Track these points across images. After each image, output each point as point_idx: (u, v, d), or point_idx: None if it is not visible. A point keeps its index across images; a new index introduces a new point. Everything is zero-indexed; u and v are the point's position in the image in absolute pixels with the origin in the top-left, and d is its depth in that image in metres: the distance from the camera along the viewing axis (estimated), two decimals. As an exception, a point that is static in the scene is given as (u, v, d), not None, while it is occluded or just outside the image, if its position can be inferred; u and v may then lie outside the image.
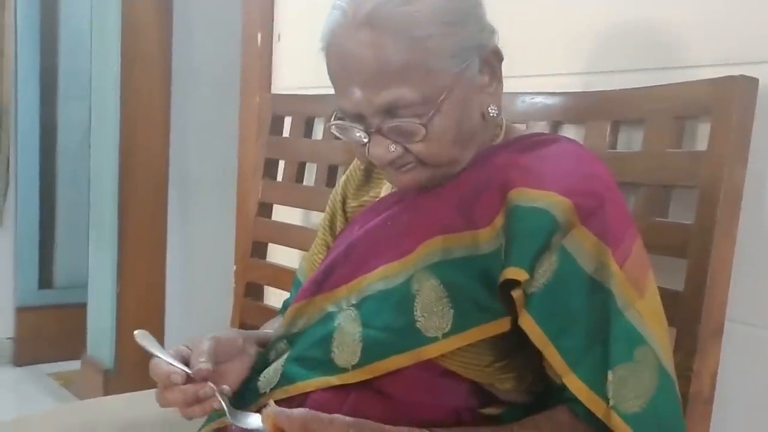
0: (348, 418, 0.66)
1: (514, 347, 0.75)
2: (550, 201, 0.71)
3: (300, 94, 1.56)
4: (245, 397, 0.82)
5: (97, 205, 2.54)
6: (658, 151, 0.95)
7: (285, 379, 0.80)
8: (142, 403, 1.00)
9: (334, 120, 0.78)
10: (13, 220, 2.87)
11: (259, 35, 1.75)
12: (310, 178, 1.50)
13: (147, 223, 2.49)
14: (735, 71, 0.87)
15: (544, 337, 0.71)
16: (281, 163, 1.56)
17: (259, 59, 1.75)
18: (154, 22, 2.43)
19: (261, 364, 0.85)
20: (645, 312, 0.71)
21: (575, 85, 1.10)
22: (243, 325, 1.53)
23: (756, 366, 0.93)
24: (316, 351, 0.79)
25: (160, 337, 2.45)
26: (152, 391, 0.80)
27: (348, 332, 0.77)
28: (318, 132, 1.51)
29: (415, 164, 0.77)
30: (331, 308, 0.81)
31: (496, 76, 0.79)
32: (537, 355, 0.72)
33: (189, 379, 0.77)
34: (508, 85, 0.82)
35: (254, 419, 0.74)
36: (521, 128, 0.96)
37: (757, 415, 0.93)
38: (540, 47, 1.15)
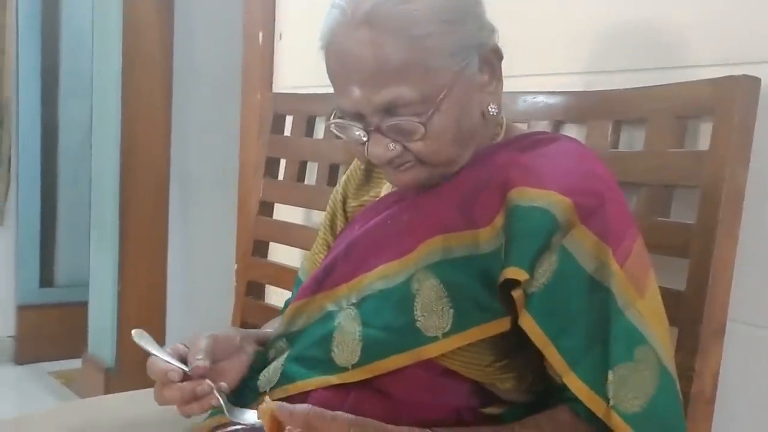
0: (350, 416, 0.66)
1: (515, 347, 0.74)
2: (550, 200, 0.71)
3: (301, 93, 1.56)
4: (245, 396, 0.83)
5: (99, 204, 2.54)
6: (659, 151, 0.94)
7: (285, 378, 0.80)
8: (143, 401, 1.00)
9: (333, 119, 0.78)
10: (15, 218, 2.87)
11: (261, 34, 1.75)
12: (311, 177, 1.50)
13: (148, 221, 2.49)
14: (737, 71, 0.87)
15: (544, 337, 0.71)
16: (282, 162, 1.56)
17: (260, 58, 1.75)
18: (155, 21, 2.43)
19: (260, 362, 0.85)
20: (646, 311, 0.71)
21: (577, 84, 1.10)
22: (244, 324, 1.53)
23: (758, 366, 0.93)
24: (316, 350, 0.79)
25: (161, 335, 2.46)
26: (153, 390, 0.80)
27: (348, 331, 0.77)
28: (319, 131, 1.51)
29: (414, 163, 0.76)
30: (331, 307, 0.81)
31: (495, 74, 0.79)
32: (537, 355, 0.72)
33: (186, 377, 0.77)
34: (510, 85, 0.82)
35: (251, 415, 0.75)
36: (522, 127, 0.96)
37: (759, 415, 0.93)
38: (542, 46, 1.15)
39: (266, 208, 1.57)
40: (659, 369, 0.70)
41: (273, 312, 1.35)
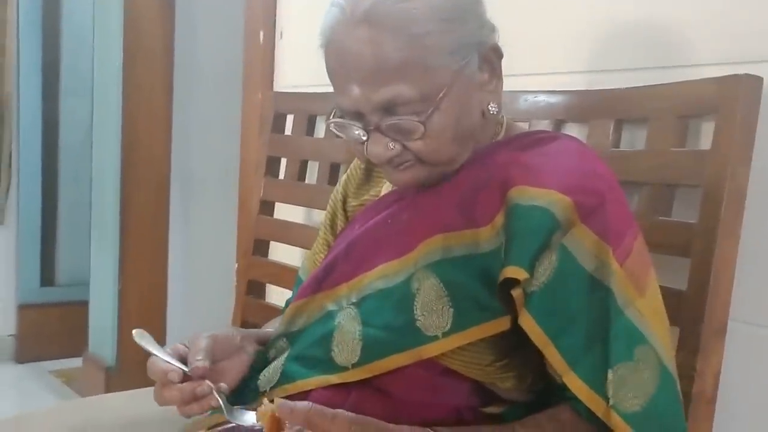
0: (351, 415, 0.66)
1: (515, 346, 0.74)
2: (551, 199, 0.71)
3: (302, 92, 1.56)
4: (245, 396, 0.83)
5: (99, 203, 2.54)
6: (661, 150, 0.94)
7: (285, 377, 0.80)
8: (143, 400, 1.00)
9: (333, 118, 0.78)
10: (15, 217, 2.87)
11: (262, 32, 1.74)
12: (312, 176, 1.50)
13: (149, 220, 2.49)
14: (739, 70, 0.87)
15: (544, 337, 0.70)
16: (283, 161, 1.56)
17: (261, 57, 1.75)
18: (156, 18, 2.42)
19: (261, 362, 0.85)
20: (646, 310, 0.71)
21: (578, 83, 1.09)
22: (245, 323, 1.53)
23: (759, 366, 0.93)
24: (316, 350, 0.79)
25: (161, 334, 2.46)
26: (153, 389, 0.80)
27: (348, 331, 0.77)
28: (320, 130, 1.51)
29: (414, 162, 0.76)
30: (331, 306, 0.81)
31: (495, 73, 0.78)
32: (537, 354, 0.72)
33: (186, 377, 0.77)
34: (511, 84, 0.82)
35: (251, 416, 0.74)
36: (523, 126, 0.95)
37: (760, 415, 0.93)
38: (543, 45, 1.15)
39: (267, 207, 1.57)
40: (659, 368, 0.70)
41: (274, 311, 1.35)
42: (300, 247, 1.48)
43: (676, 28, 1.00)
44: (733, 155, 0.85)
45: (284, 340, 0.84)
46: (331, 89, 0.77)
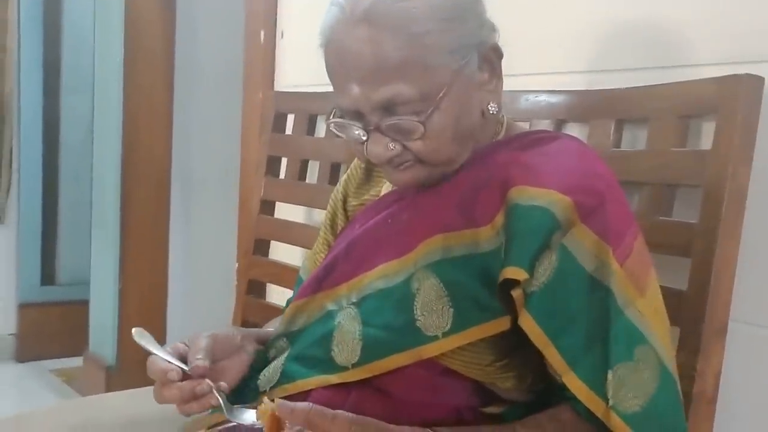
0: (351, 415, 0.66)
1: (515, 346, 0.74)
2: (550, 199, 0.71)
3: (303, 92, 1.56)
4: (245, 395, 0.83)
5: (100, 202, 2.54)
6: (662, 150, 0.94)
7: (285, 377, 0.80)
8: (143, 399, 1.00)
9: (332, 118, 0.78)
10: (16, 215, 2.87)
11: (262, 32, 1.74)
12: (312, 175, 1.50)
13: (149, 219, 2.49)
14: (740, 70, 0.87)
15: (544, 337, 0.70)
16: (284, 161, 1.56)
17: (262, 56, 1.75)
18: (157, 17, 2.42)
19: (261, 362, 0.85)
20: (646, 310, 0.71)
21: (579, 83, 1.09)
22: (245, 323, 1.53)
23: (759, 366, 0.92)
24: (316, 349, 0.79)
25: (161, 333, 2.46)
26: (153, 388, 0.80)
27: (348, 331, 0.77)
28: (321, 129, 1.51)
29: (414, 162, 0.76)
30: (331, 306, 0.81)
31: (495, 73, 0.78)
32: (537, 354, 0.72)
33: (186, 376, 0.77)
34: (513, 84, 0.82)
35: (250, 415, 0.74)
36: (523, 126, 0.95)
37: (761, 415, 0.93)
38: (544, 45, 1.15)
39: (267, 207, 1.57)
40: (659, 368, 0.70)
41: (274, 311, 1.35)
42: (300, 246, 1.48)
43: (677, 27, 1.00)
44: (733, 155, 0.85)
45: (284, 339, 0.84)
46: (331, 89, 0.77)
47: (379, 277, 0.77)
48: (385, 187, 0.91)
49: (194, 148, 2.59)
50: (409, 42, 0.70)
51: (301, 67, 1.68)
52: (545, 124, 1.07)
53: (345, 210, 0.96)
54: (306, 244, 1.39)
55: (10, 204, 2.85)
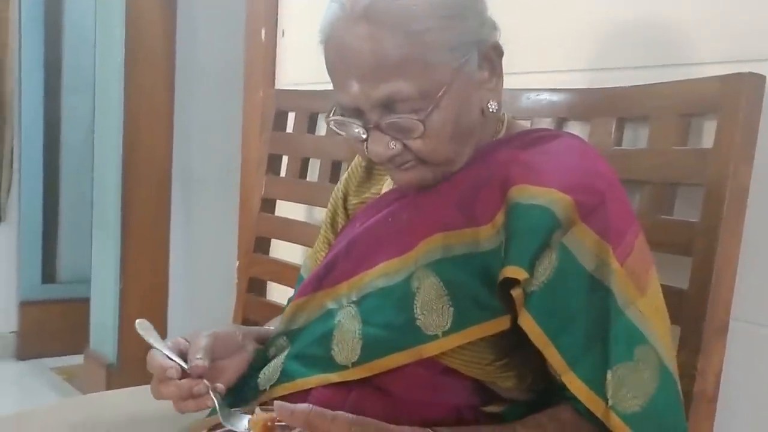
0: (351, 416, 0.66)
1: (515, 345, 0.74)
2: (551, 198, 0.71)
3: (303, 90, 1.56)
4: (245, 394, 0.82)
5: (101, 200, 2.55)
6: (663, 149, 0.94)
7: (285, 376, 0.80)
8: (144, 397, 1.00)
9: (332, 116, 0.78)
10: (17, 214, 2.87)
11: (263, 30, 1.74)
12: (313, 173, 1.50)
13: (150, 217, 2.49)
14: (742, 68, 0.87)
15: (543, 337, 0.70)
16: (284, 159, 1.56)
17: (262, 54, 1.75)
18: (158, 16, 2.42)
19: (260, 360, 0.85)
20: (646, 310, 0.71)
21: (580, 81, 1.09)
22: (246, 321, 1.54)
23: (760, 365, 0.92)
24: (316, 348, 0.79)
25: (162, 332, 2.45)
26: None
27: (348, 329, 0.77)
28: (321, 128, 1.51)
29: (416, 163, 0.76)
30: (331, 305, 0.80)
31: (496, 71, 0.78)
32: (538, 354, 0.72)
33: (185, 374, 0.77)
34: (514, 82, 0.81)
35: (245, 422, 0.73)
36: (524, 124, 0.95)
37: (762, 414, 0.93)
38: (546, 43, 1.15)
39: (268, 205, 1.57)
40: (659, 368, 0.70)
41: (275, 309, 1.35)
42: (301, 244, 1.48)
43: (678, 26, 1.00)
44: (735, 154, 0.85)
45: (284, 338, 0.84)
46: (332, 87, 0.77)
47: (379, 275, 0.77)
48: (386, 186, 0.91)
49: (195, 146, 2.59)
50: (409, 39, 0.70)
51: (301, 66, 1.68)
52: (546, 123, 1.07)
53: (345, 208, 0.96)
54: (306, 243, 1.39)
55: (11, 203, 2.85)
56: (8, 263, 2.88)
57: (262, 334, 0.89)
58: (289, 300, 1.00)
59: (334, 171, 1.42)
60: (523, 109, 1.09)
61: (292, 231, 1.49)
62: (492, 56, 0.77)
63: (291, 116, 1.56)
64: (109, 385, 2.35)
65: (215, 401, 0.75)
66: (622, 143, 1.01)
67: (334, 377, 0.76)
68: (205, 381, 0.76)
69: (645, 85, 0.97)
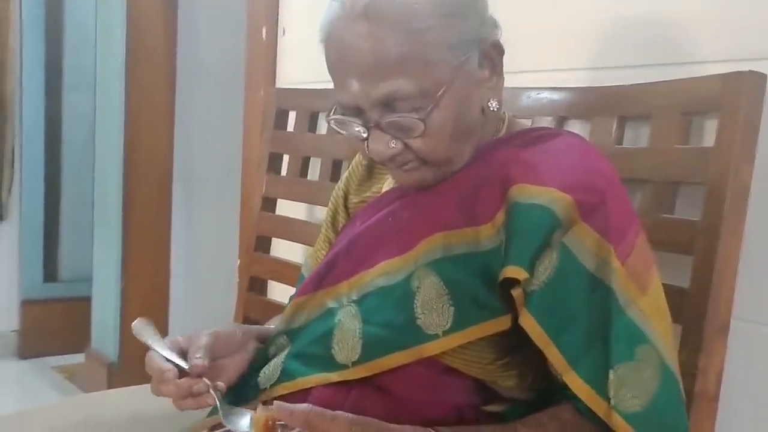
0: (351, 416, 0.66)
1: (516, 345, 0.74)
2: (551, 197, 0.71)
3: (304, 89, 1.56)
4: (245, 393, 0.82)
5: (102, 199, 2.55)
6: (664, 148, 0.94)
7: (285, 375, 0.80)
8: (145, 396, 1.00)
9: (333, 114, 0.77)
10: (18, 213, 2.88)
11: (264, 29, 1.74)
12: (314, 172, 1.50)
13: (151, 216, 2.49)
14: (743, 67, 0.86)
15: (544, 336, 0.70)
16: (285, 158, 1.56)
17: (263, 53, 1.75)
18: (158, 15, 2.43)
19: (261, 359, 0.85)
20: (648, 309, 0.70)
21: (581, 80, 1.09)
22: (246, 320, 1.54)
23: (762, 364, 0.92)
24: (317, 347, 0.79)
25: (163, 330, 2.46)
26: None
27: (348, 329, 0.77)
28: (322, 126, 1.51)
29: (418, 164, 0.76)
30: (331, 304, 0.80)
31: (496, 70, 0.78)
32: (538, 353, 0.72)
33: (184, 373, 0.77)
34: (514, 81, 0.81)
35: (246, 421, 0.73)
36: (525, 123, 0.95)
37: (763, 413, 0.93)
38: (546, 42, 1.14)
39: (269, 204, 1.57)
40: (661, 368, 0.70)
41: (275, 308, 1.35)
42: (302, 243, 1.48)
43: (679, 24, 0.99)
44: (736, 152, 0.85)
45: (284, 337, 0.84)
46: (333, 86, 0.77)
47: (379, 274, 0.77)
48: (387, 185, 0.91)
49: (196, 145, 2.59)
50: (409, 38, 0.70)
51: (302, 65, 1.68)
52: (547, 122, 1.07)
53: (346, 207, 0.96)
54: (307, 241, 1.39)
55: (12, 202, 2.85)
56: (10, 262, 2.88)
57: (262, 332, 0.89)
58: (290, 299, 1.00)
59: (334, 170, 1.42)
60: (523, 108, 1.09)
61: (293, 230, 1.49)
62: (493, 55, 0.77)
63: (292, 115, 1.56)
64: (111, 384, 2.36)
65: (216, 400, 0.75)
66: (622, 142, 1.01)
67: (334, 376, 0.76)
68: (205, 380, 0.76)
69: (646, 83, 0.97)
